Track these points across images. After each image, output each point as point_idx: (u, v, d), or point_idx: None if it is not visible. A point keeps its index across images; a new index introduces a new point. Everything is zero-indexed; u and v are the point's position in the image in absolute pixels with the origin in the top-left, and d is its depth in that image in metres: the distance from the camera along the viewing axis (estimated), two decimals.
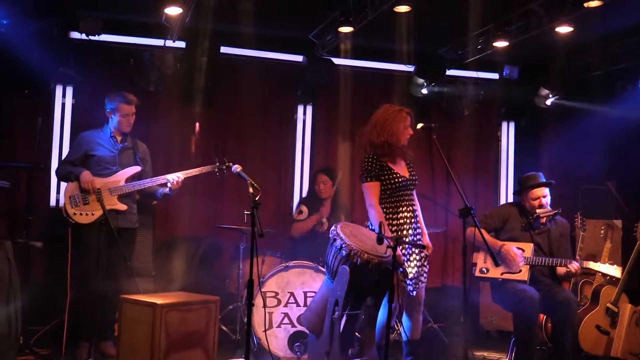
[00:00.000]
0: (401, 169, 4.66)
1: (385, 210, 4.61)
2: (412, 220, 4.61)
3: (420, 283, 4.59)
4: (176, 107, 6.62)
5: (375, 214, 4.53)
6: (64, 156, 5.79)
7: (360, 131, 4.78)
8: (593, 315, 5.22)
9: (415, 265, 4.56)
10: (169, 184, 5.11)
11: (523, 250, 4.87)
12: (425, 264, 4.65)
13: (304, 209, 6.21)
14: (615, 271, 4.87)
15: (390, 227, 4.57)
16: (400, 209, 4.60)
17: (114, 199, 5.06)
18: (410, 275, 4.53)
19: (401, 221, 4.58)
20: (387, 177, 4.58)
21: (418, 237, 4.64)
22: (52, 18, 6.01)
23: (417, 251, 4.57)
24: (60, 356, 4.80)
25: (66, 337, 4.87)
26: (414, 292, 4.55)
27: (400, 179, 4.59)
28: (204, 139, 6.88)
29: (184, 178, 5.18)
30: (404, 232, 4.57)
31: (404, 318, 4.72)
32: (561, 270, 4.93)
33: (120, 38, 6.56)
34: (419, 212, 4.75)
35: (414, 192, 4.74)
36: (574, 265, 4.79)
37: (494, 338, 6.51)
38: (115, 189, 5.07)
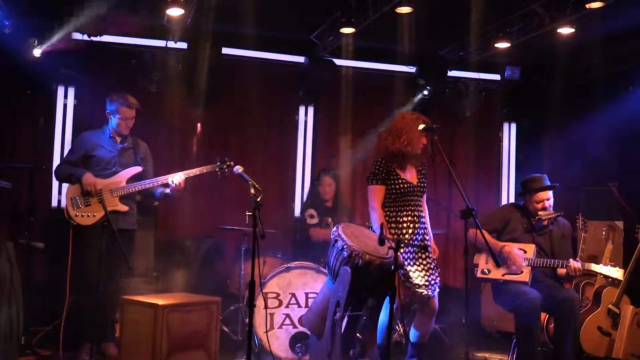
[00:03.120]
0: (409, 175, 4.69)
1: (388, 213, 4.65)
2: (416, 225, 4.61)
3: (434, 290, 4.59)
4: (178, 108, 6.62)
5: (375, 216, 4.60)
6: None
7: (379, 134, 4.81)
8: (595, 317, 5.21)
9: (423, 269, 4.56)
10: (170, 184, 5.10)
11: (525, 252, 4.87)
12: (435, 269, 4.64)
13: (313, 212, 6.21)
14: (616, 273, 4.86)
15: (391, 230, 4.59)
16: (403, 213, 4.62)
17: (115, 199, 5.05)
18: (422, 281, 4.53)
19: (403, 225, 4.60)
20: (392, 182, 4.63)
21: (422, 242, 4.63)
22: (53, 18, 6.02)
23: (424, 256, 4.57)
24: (61, 357, 4.79)
25: (68, 339, 4.86)
26: (432, 292, 4.56)
27: (405, 185, 4.62)
28: (206, 139, 6.89)
29: (186, 178, 5.16)
30: (406, 236, 4.58)
31: (415, 321, 4.72)
32: (562, 271, 4.92)
33: (122, 39, 6.56)
34: (426, 218, 4.77)
35: (422, 199, 4.75)
36: (573, 264, 4.77)
37: (495, 339, 6.50)
38: (116, 189, 5.06)
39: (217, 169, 5.30)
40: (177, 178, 5.09)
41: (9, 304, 4.34)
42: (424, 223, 4.70)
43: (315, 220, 6.18)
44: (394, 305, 3.90)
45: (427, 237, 4.69)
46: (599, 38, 6.33)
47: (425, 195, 4.81)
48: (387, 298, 3.98)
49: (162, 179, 5.13)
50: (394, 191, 4.63)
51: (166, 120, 6.68)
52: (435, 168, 7.43)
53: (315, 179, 6.58)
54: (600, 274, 4.93)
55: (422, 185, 4.72)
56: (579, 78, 7.20)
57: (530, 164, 7.71)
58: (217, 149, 6.80)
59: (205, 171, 5.28)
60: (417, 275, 4.54)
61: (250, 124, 6.94)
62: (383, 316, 4.45)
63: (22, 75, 5.93)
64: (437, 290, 4.63)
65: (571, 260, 4.80)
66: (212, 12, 5.84)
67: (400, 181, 4.63)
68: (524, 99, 7.69)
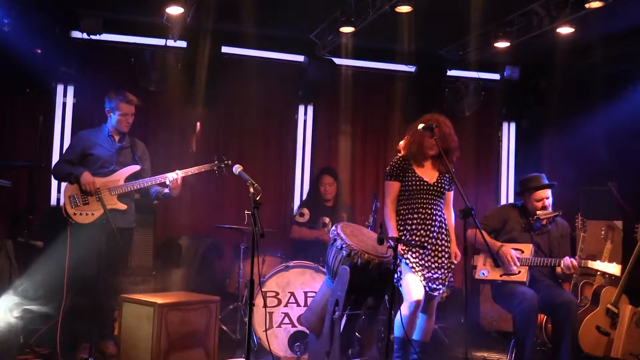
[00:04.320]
0: (427, 175, 4.68)
1: (401, 210, 4.68)
2: (427, 224, 4.60)
3: (436, 289, 4.59)
4: (177, 107, 6.62)
5: (386, 211, 4.67)
6: None
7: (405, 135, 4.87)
8: (593, 316, 5.22)
9: (422, 268, 4.55)
10: (168, 183, 5.09)
11: (522, 252, 4.87)
12: (442, 270, 4.63)
13: (306, 211, 6.21)
14: (614, 269, 4.86)
15: (402, 227, 4.60)
16: (414, 210, 4.62)
17: (113, 198, 5.05)
18: (422, 273, 4.53)
19: (412, 222, 4.60)
20: (407, 179, 4.65)
21: (438, 243, 4.62)
22: (53, 17, 6.02)
23: (423, 253, 4.56)
24: (59, 356, 4.79)
25: (67, 337, 4.86)
26: (434, 293, 4.57)
27: (418, 183, 4.62)
28: (205, 138, 6.89)
29: (183, 177, 5.16)
30: (417, 232, 4.58)
31: (418, 319, 4.72)
32: (559, 269, 4.92)
33: (122, 37, 6.57)
34: (447, 220, 4.73)
35: (441, 200, 4.70)
36: (567, 261, 4.77)
37: (494, 338, 6.50)
38: (115, 188, 5.06)
39: (215, 168, 5.29)
40: (173, 175, 5.09)
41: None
42: (439, 223, 4.68)
43: (303, 219, 6.18)
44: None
45: (437, 237, 4.65)
46: (598, 38, 6.33)
47: (446, 198, 4.78)
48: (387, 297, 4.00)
49: (159, 178, 5.13)
50: (407, 188, 4.65)
51: (165, 119, 6.68)
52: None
53: (315, 178, 6.58)
54: (598, 270, 4.92)
55: (440, 186, 4.68)
56: (578, 78, 7.20)
57: (530, 163, 7.71)
58: (217, 148, 6.81)
59: (203, 170, 5.28)
60: (424, 272, 4.53)
61: (249, 123, 6.94)
62: (406, 308, 4.41)
63: (21, 73, 5.93)
64: (440, 291, 4.61)
65: (566, 257, 4.80)
66: (211, 11, 5.84)
67: (415, 178, 4.64)
68: (523, 99, 7.69)
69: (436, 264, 4.57)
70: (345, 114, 7.22)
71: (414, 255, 4.54)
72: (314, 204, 6.30)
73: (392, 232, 4.55)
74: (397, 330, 4.47)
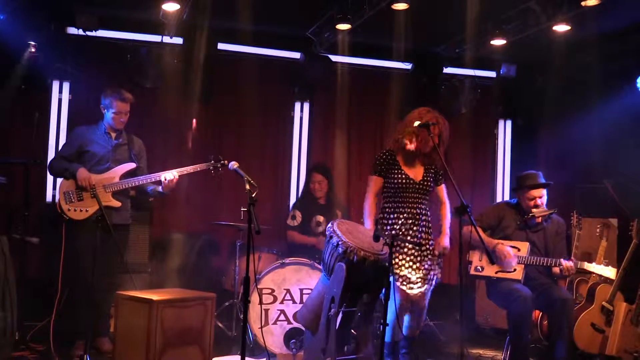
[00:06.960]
0: (413, 171, 4.67)
1: (386, 207, 4.69)
2: (414, 222, 4.60)
3: (417, 288, 4.59)
4: (173, 104, 6.60)
5: (365, 205, 4.68)
6: None
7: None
8: (588, 314, 5.23)
9: (418, 267, 4.55)
10: (163, 181, 5.08)
11: (518, 249, 4.88)
12: (430, 263, 4.63)
13: (297, 214, 6.19)
14: (609, 272, 4.87)
15: (388, 224, 4.58)
16: (400, 209, 4.62)
17: (108, 195, 5.04)
18: (415, 277, 4.53)
19: (399, 221, 4.59)
20: (392, 175, 4.64)
21: (422, 242, 4.61)
22: (48, 13, 6.00)
23: (417, 253, 4.56)
24: (53, 353, 4.78)
25: (62, 334, 4.85)
26: (424, 288, 4.56)
27: (404, 181, 4.61)
28: (201, 135, 6.87)
29: (179, 176, 5.15)
30: (403, 232, 4.57)
31: (406, 315, 4.73)
32: (556, 269, 4.94)
33: (117, 34, 6.54)
34: (442, 215, 4.74)
35: (427, 197, 4.71)
36: (566, 264, 4.78)
37: (490, 336, 6.52)
38: (109, 185, 5.05)
39: (210, 167, 5.29)
40: (169, 175, 5.08)
41: (2, 299, 4.34)
42: (424, 222, 4.67)
43: (295, 223, 6.15)
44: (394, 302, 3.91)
45: (421, 237, 4.65)
46: (594, 36, 6.34)
47: (440, 194, 4.78)
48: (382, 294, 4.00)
49: (154, 176, 5.13)
50: (392, 185, 4.64)
51: (161, 116, 6.66)
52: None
53: (306, 176, 6.56)
54: (594, 273, 4.94)
55: (426, 184, 4.68)
56: (574, 75, 7.20)
57: (525, 161, 7.71)
58: (213, 145, 6.80)
59: (199, 169, 5.28)
60: (409, 272, 4.54)
61: (246, 119, 6.92)
62: (391, 313, 4.41)
63: (17, 69, 5.91)
64: (428, 286, 4.62)
65: (563, 260, 4.81)
66: (207, 8, 5.83)
67: (400, 176, 4.62)
68: (519, 96, 7.69)
69: (417, 264, 4.57)
70: (341, 111, 7.21)
71: (394, 259, 4.54)
72: (307, 203, 6.28)
73: (369, 227, 4.56)
74: (386, 335, 4.49)
